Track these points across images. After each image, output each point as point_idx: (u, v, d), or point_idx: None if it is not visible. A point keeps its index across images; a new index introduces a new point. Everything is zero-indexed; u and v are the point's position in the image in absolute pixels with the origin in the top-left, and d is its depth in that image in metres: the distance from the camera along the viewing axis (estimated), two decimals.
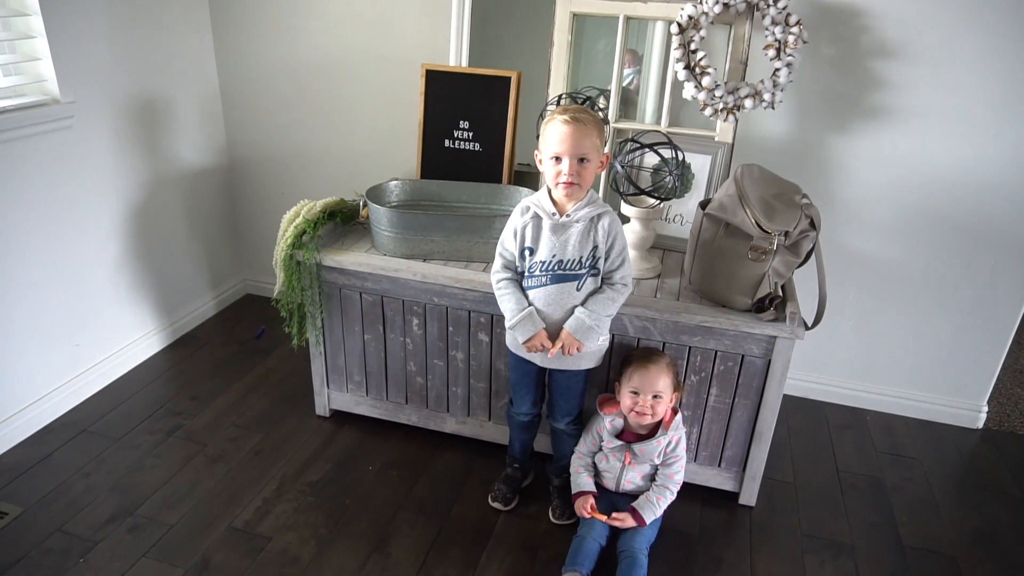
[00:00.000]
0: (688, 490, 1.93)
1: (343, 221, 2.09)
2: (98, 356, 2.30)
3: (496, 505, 1.88)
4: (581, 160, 1.52)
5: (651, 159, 1.94)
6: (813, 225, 1.71)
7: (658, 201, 1.89)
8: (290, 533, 1.78)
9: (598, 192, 2.11)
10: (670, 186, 1.86)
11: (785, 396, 2.39)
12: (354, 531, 1.80)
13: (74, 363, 2.21)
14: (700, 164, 2.03)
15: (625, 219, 1.92)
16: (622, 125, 2.11)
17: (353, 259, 1.95)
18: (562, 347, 1.61)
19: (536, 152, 1.61)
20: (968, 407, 2.32)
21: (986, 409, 2.32)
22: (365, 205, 2.00)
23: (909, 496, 2.01)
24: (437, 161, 2.27)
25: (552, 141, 1.53)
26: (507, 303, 1.64)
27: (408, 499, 1.91)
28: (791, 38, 1.87)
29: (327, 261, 1.95)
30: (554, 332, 1.63)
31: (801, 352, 2.30)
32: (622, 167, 1.86)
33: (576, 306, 1.61)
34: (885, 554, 1.81)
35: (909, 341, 2.28)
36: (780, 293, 1.73)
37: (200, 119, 2.57)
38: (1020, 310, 2.16)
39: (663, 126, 2.06)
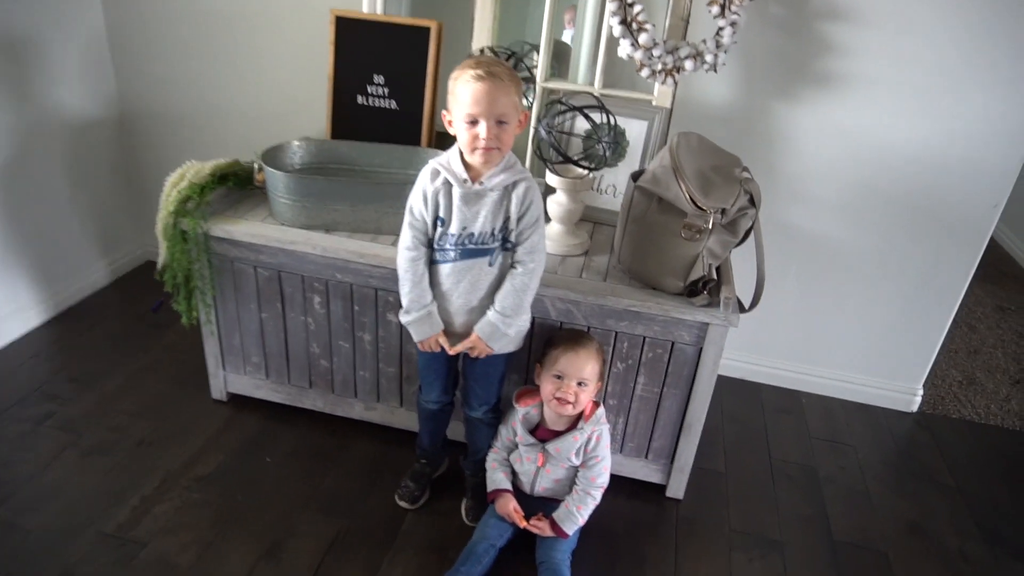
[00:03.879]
0: (614, 482, 1.78)
1: (237, 185, 1.86)
2: None
3: (403, 504, 1.71)
4: (500, 122, 1.33)
5: (582, 124, 1.76)
6: (753, 202, 1.57)
7: (587, 171, 1.72)
8: (169, 537, 1.59)
9: (525, 160, 1.92)
10: (601, 154, 1.69)
11: (721, 377, 2.29)
12: (243, 533, 1.61)
13: None
14: (636, 131, 1.85)
15: (551, 190, 1.74)
16: (552, 84, 1.91)
17: (245, 229, 1.72)
18: (470, 348, 1.47)
19: (444, 113, 1.40)
20: (904, 390, 2.25)
21: (921, 392, 2.26)
22: (260, 169, 1.77)
23: (843, 486, 1.93)
24: (349, 120, 2.04)
25: (464, 100, 1.32)
26: (407, 289, 1.46)
27: (310, 495, 1.73)
28: None
29: (216, 231, 1.73)
30: (461, 313, 1.46)
31: (739, 332, 2.18)
32: (548, 132, 1.67)
33: (489, 288, 1.44)
34: (815, 551, 1.72)
35: (850, 323, 2.18)
36: (715, 276, 1.58)
37: (82, 64, 2.27)
38: (961, 291, 2.08)
39: (596, 87, 1.88)
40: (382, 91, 1.99)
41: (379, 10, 2.01)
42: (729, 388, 2.27)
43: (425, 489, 1.75)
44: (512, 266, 1.44)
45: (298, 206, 1.72)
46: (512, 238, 1.43)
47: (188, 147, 2.44)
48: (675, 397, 1.68)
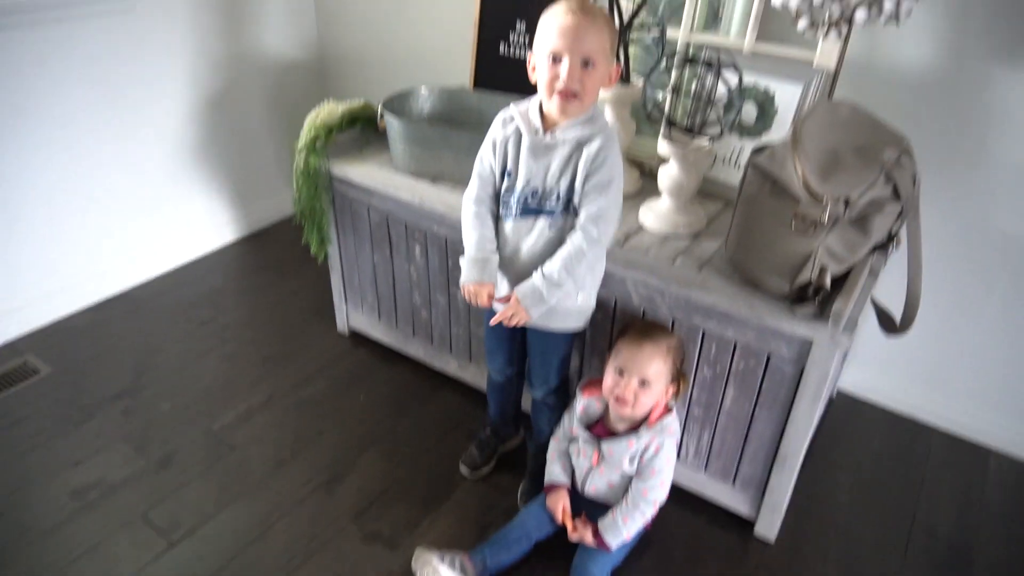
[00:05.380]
0: (697, 503, 1.58)
1: (369, 127, 1.90)
2: (166, 239, 2.39)
3: (463, 470, 1.67)
4: (586, 64, 1.18)
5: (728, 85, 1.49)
6: (897, 193, 1.21)
7: (708, 139, 1.46)
8: (255, 448, 1.73)
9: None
10: (718, 119, 1.42)
11: (880, 410, 1.89)
12: (314, 460, 1.70)
13: (139, 243, 2.32)
14: (788, 96, 1.53)
15: (663, 159, 1.52)
16: (703, 37, 1.65)
17: (360, 171, 1.77)
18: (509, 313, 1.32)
19: (529, 55, 1.27)
20: None
21: None
22: (382, 116, 1.79)
23: None
24: (491, 69, 1.98)
25: (550, 34, 1.19)
26: (470, 236, 1.36)
27: (384, 438, 1.77)
28: None
29: (336, 171, 1.80)
30: (526, 275, 1.33)
31: (909, 361, 1.77)
32: (653, 87, 1.44)
33: (550, 253, 1.29)
34: None
35: None
36: (827, 283, 1.25)
37: (287, 9, 2.49)
38: None
39: (747, 43, 1.58)
40: (523, 39, 1.89)
41: None
42: (891, 425, 1.85)
43: (489, 459, 1.69)
44: (572, 228, 1.28)
45: (407, 153, 1.72)
46: (576, 200, 1.27)
47: (369, 88, 2.57)
48: (768, 420, 1.40)
